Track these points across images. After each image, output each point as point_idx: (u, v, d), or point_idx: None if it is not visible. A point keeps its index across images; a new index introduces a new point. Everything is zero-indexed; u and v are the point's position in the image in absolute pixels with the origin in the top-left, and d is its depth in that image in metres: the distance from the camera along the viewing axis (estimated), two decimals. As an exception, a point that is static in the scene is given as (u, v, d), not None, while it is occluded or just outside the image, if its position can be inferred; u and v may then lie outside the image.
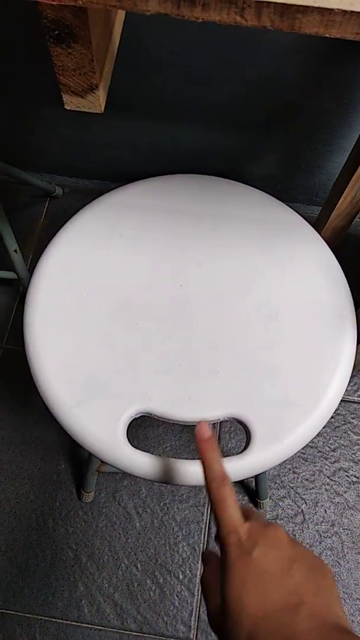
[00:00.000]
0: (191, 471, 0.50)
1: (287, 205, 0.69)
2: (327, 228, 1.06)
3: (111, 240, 0.65)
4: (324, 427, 1.00)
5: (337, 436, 1.03)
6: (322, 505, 0.98)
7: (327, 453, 1.02)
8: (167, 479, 0.51)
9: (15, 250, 1.00)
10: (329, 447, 1.02)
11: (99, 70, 0.40)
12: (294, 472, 1.00)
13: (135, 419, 0.53)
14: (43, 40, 0.89)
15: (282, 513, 0.97)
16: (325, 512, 0.98)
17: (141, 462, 0.51)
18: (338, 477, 1.00)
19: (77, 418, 0.53)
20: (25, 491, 0.98)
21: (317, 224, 1.16)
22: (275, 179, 1.15)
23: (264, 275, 0.62)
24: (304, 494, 0.99)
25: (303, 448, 1.01)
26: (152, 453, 0.52)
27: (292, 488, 0.99)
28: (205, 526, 0.96)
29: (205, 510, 0.97)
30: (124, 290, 0.61)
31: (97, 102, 0.42)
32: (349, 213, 0.95)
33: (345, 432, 1.03)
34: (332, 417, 1.05)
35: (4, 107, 1.06)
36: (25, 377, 0.57)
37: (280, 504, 0.98)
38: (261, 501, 0.97)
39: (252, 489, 0.99)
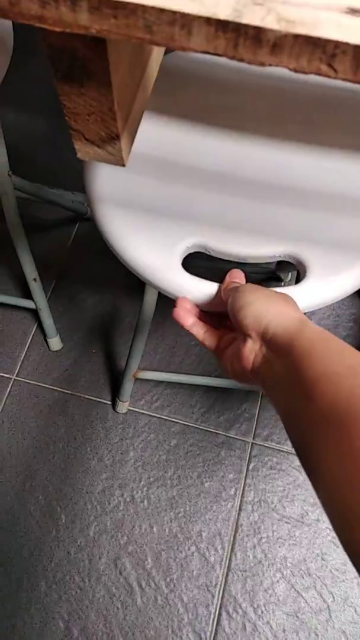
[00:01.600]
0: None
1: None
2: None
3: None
4: None
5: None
6: (353, 603, 0.85)
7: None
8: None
9: (35, 279, 0.92)
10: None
11: (123, 117, 0.29)
12: (322, 559, 0.88)
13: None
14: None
15: (304, 607, 0.85)
16: (356, 611, 0.84)
17: (196, 287, 0.47)
18: (373, 572, 0.86)
19: (134, 245, 0.50)
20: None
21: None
22: None
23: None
24: (332, 587, 0.86)
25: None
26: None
27: (318, 578, 0.86)
28: (215, 611, 0.85)
29: (217, 593, 0.86)
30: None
31: (118, 155, 0.32)
32: None
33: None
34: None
35: (37, 121, 0.98)
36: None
37: (304, 595, 0.85)
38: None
39: (272, 574, 0.86)
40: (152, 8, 0.20)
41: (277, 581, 0.87)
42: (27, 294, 1.07)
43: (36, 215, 1.15)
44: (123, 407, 0.98)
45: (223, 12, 0.20)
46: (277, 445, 0.96)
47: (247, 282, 0.45)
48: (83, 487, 0.93)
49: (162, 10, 0.20)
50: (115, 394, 0.99)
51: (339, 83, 0.50)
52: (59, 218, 1.17)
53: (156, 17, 0.20)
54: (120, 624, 0.84)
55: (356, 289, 0.49)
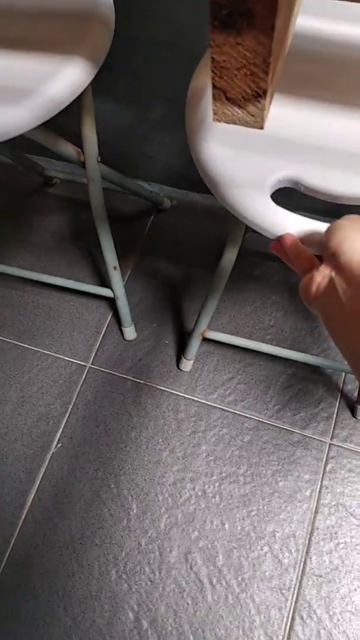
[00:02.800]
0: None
1: None
2: None
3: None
4: None
5: None
6: None
7: None
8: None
9: (115, 267, 0.92)
10: None
11: (273, 70, 0.27)
12: None
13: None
14: (173, 27, 0.79)
15: (385, 620, 0.80)
16: None
17: (283, 220, 0.47)
18: None
19: (224, 169, 0.49)
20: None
21: None
22: None
23: None
24: None
25: None
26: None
27: None
28: (289, 616, 0.81)
29: (291, 597, 0.82)
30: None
31: (259, 116, 0.30)
32: None
33: None
34: None
35: (116, 109, 0.98)
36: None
37: (384, 607, 0.80)
38: None
39: (352, 399, 0.82)
40: None
41: (355, 589, 0.82)
42: (103, 283, 1.08)
43: (114, 204, 1.15)
44: (187, 365, 0.98)
45: None
46: (357, 447, 0.91)
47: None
48: (154, 478, 0.92)
49: None
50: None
51: None
52: (136, 209, 1.17)
53: None
54: (190, 619, 0.82)
55: None
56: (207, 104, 0.52)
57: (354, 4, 0.54)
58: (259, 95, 0.28)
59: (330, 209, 0.75)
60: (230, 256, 0.74)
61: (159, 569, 0.86)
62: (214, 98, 0.30)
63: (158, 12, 0.79)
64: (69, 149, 0.76)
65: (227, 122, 0.31)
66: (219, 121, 0.31)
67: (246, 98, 0.29)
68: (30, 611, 0.85)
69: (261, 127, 0.31)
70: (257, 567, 0.85)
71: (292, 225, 0.47)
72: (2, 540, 0.90)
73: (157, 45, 0.84)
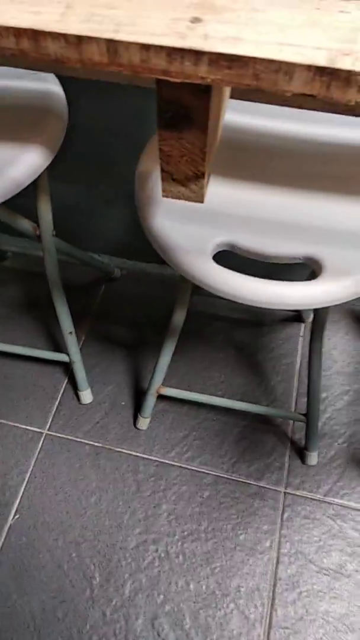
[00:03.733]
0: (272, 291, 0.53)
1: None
2: None
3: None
4: None
5: None
6: None
7: None
8: (250, 298, 0.53)
9: (71, 333, 0.96)
10: None
11: (208, 157, 0.35)
12: (366, 614, 0.85)
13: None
14: (119, 119, 0.90)
15: (352, 667, 0.80)
16: None
17: (226, 279, 0.53)
18: None
19: (172, 236, 0.56)
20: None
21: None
22: None
23: None
24: (379, 644, 0.82)
25: None
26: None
27: (364, 634, 0.83)
28: (259, 674, 0.80)
29: (260, 653, 0.82)
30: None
31: (200, 192, 0.37)
32: None
33: None
34: None
35: (69, 188, 1.06)
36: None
37: (350, 653, 0.81)
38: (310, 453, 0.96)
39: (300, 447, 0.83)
40: (262, 60, 0.26)
41: (321, 638, 0.83)
42: (57, 349, 1.10)
43: (67, 275, 1.21)
44: (144, 423, 1.01)
45: (320, 60, 0.25)
46: (310, 493, 0.95)
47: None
48: (117, 542, 0.91)
49: (270, 61, 0.25)
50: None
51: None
52: (88, 278, 1.23)
53: (264, 67, 0.26)
54: None
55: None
56: (154, 184, 0.60)
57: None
58: (199, 176, 0.35)
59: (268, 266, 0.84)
60: (179, 316, 0.81)
61: (126, 639, 0.83)
62: (163, 179, 0.37)
63: (106, 105, 0.89)
64: (25, 225, 0.82)
65: (174, 198, 0.38)
66: (167, 197, 0.38)
67: (188, 179, 0.36)
68: None
69: (202, 201, 0.38)
70: (224, 625, 0.84)
71: (230, 280, 0.54)
72: None
73: (105, 133, 0.94)
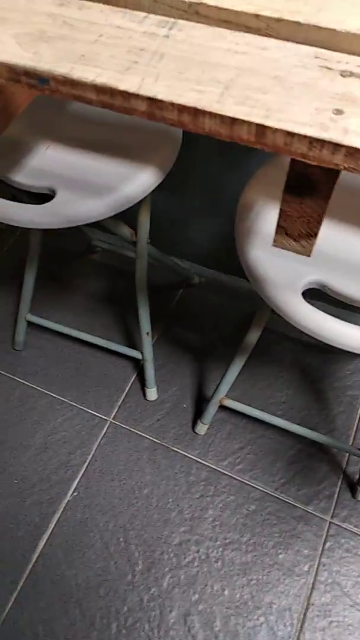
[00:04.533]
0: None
1: None
2: None
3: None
4: None
5: None
6: None
7: None
8: (334, 339, 0.56)
9: (148, 333, 1.02)
10: None
11: (323, 220, 0.38)
12: None
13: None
14: (230, 146, 0.94)
15: None
16: None
17: (313, 318, 0.57)
18: None
19: (266, 269, 0.60)
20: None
21: None
22: None
23: None
24: None
25: None
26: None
27: None
28: None
29: (283, 670, 0.85)
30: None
31: (309, 248, 0.40)
32: None
33: None
34: None
35: (168, 200, 1.12)
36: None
37: None
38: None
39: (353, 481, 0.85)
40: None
41: (346, 671, 0.84)
42: (131, 345, 1.17)
43: (149, 275, 1.27)
44: (202, 428, 1.06)
45: None
46: (356, 528, 0.96)
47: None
48: (162, 536, 0.97)
49: None
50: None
51: None
52: (168, 281, 1.28)
53: None
54: None
55: None
56: (254, 217, 0.63)
57: None
58: (311, 235, 0.39)
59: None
60: (254, 335, 0.84)
61: (158, 628, 0.89)
62: (277, 232, 0.40)
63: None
64: (125, 231, 0.88)
65: (283, 249, 0.41)
66: (277, 247, 0.42)
67: (301, 236, 0.39)
68: (28, 656, 0.87)
69: (309, 256, 0.41)
70: (252, 636, 0.88)
71: (318, 320, 0.57)
72: (10, 582, 0.93)
73: (210, 161, 0.98)
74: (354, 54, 0.34)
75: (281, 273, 0.59)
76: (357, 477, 1.00)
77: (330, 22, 0.34)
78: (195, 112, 0.32)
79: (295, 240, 0.40)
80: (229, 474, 1.03)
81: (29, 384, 1.16)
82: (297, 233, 0.39)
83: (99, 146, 0.72)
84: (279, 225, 0.40)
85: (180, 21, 0.37)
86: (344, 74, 0.33)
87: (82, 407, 1.12)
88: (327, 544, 0.95)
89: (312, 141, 0.30)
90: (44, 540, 0.97)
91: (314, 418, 1.08)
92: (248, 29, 0.36)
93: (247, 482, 1.02)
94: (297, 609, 0.90)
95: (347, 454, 1.04)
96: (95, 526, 0.98)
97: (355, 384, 1.13)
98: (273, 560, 0.94)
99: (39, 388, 1.15)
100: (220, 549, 0.95)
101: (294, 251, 0.41)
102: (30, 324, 1.16)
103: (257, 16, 0.35)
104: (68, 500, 1.01)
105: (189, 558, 0.95)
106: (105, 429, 1.09)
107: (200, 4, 0.37)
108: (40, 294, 1.25)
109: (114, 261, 1.33)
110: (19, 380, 1.16)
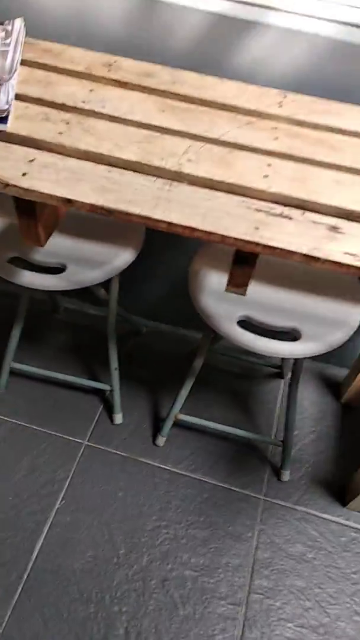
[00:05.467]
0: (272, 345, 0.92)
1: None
2: (352, 387, 1.38)
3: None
4: (348, 552, 1.19)
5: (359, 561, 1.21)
6: (343, 621, 1.13)
7: (348, 575, 1.19)
8: (259, 349, 0.91)
9: (115, 368, 1.32)
10: (351, 570, 1.20)
11: (251, 278, 0.74)
12: (319, 588, 1.17)
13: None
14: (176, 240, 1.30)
15: (306, 623, 1.12)
16: (345, 629, 1.12)
17: (243, 335, 0.92)
18: (358, 598, 1.16)
19: (214, 309, 0.95)
20: (89, 568, 1.15)
21: (344, 383, 1.48)
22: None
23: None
24: (327, 608, 1.14)
25: (327, 567, 1.19)
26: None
27: (317, 602, 1.15)
28: (242, 624, 1.11)
29: (241, 610, 1.13)
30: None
31: (245, 291, 0.76)
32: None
33: (362, 558, 1.22)
34: (352, 544, 1.24)
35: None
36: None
37: (305, 614, 1.13)
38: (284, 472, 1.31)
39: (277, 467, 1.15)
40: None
41: (286, 602, 1.15)
42: (96, 380, 1.45)
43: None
44: (161, 441, 1.35)
45: None
46: (282, 501, 1.29)
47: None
48: (137, 525, 1.23)
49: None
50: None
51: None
52: (124, 330, 1.60)
53: None
54: (167, 630, 1.09)
55: (332, 347, 0.92)
56: (202, 277, 0.99)
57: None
58: (246, 285, 0.75)
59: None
60: (198, 362, 1.18)
61: (143, 594, 1.14)
62: (228, 283, 0.76)
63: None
64: (101, 291, 1.20)
65: (232, 292, 0.77)
66: (228, 292, 0.77)
67: (241, 285, 0.75)
68: (40, 631, 1.07)
69: (244, 295, 0.77)
70: (215, 589, 1.15)
71: (246, 337, 0.92)
72: (16, 577, 1.14)
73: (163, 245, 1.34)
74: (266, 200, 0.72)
75: (223, 312, 0.95)
76: (279, 464, 1.35)
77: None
78: (192, 230, 0.67)
79: (238, 287, 0.76)
80: (185, 473, 1.33)
81: (12, 420, 1.39)
82: (239, 284, 0.75)
83: (93, 235, 1.04)
84: (229, 280, 0.75)
85: (175, 182, 0.73)
86: (257, 209, 0.70)
87: (61, 435, 1.37)
88: (264, 515, 1.27)
89: (245, 241, 0.66)
90: (41, 541, 1.19)
91: (244, 425, 1.43)
92: (214, 189, 0.73)
93: (199, 478, 1.32)
94: (247, 564, 1.19)
95: (270, 449, 1.38)
96: (83, 524, 1.22)
97: (272, 398, 1.49)
98: (225, 532, 1.24)
99: (22, 423, 1.38)
100: (184, 529, 1.23)
101: (238, 294, 0.77)
102: (11, 370, 1.41)
103: (210, 180, 0.72)
104: (57, 508, 1.24)
105: (161, 539, 1.22)
106: (82, 450, 1.35)
107: (180, 172, 0.73)
108: (17, 346, 1.50)
109: (76, 318, 1.63)
110: (4, 418, 1.39)
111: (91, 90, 0.88)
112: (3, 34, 0.94)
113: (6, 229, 1.03)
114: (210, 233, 0.66)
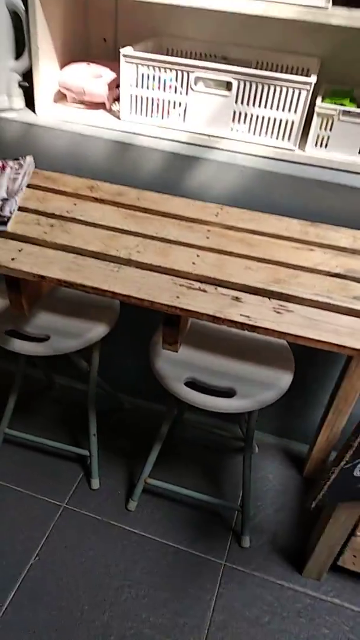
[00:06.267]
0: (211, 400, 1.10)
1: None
2: (311, 461, 1.52)
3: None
4: (301, 618, 1.25)
5: (312, 628, 1.25)
6: None
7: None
8: (201, 403, 1.10)
9: (94, 434, 1.48)
10: (304, 636, 1.24)
11: (182, 338, 0.96)
12: (270, 651, 1.21)
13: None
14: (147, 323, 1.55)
15: None
16: None
17: (189, 392, 1.10)
18: (307, 663, 1.19)
19: (166, 372, 1.14)
20: (53, 622, 1.23)
21: (306, 458, 1.62)
22: (277, 421, 1.65)
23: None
24: (277, 672, 1.17)
25: (281, 632, 1.24)
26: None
27: (267, 665, 1.19)
28: None
29: (193, 668, 1.17)
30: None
31: (177, 348, 0.97)
32: (325, 449, 1.42)
33: (318, 625, 1.26)
34: (306, 611, 1.29)
35: (113, 345, 1.69)
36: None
37: None
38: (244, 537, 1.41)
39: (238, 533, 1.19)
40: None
41: (238, 666, 1.19)
42: (78, 445, 1.61)
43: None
44: (132, 505, 1.46)
45: None
46: (240, 567, 1.37)
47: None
48: (103, 583, 1.31)
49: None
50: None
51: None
52: (104, 406, 1.78)
53: (196, 314, 0.88)
54: None
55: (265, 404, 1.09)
56: (159, 347, 1.20)
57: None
58: (177, 342, 0.96)
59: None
60: (164, 428, 1.35)
61: (101, 648, 1.20)
62: (162, 341, 0.97)
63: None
64: (83, 363, 1.42)
65: (166, 349, 0.98)
66: (164, 349, 0.98)
67: (172, 343, 0.96)
68: None
69: (177, 352, 0.97)
70: (171, 648, 1.21)
71: (191, 394, 1.10)
72: (-15, 626, 1.22)
73: (135, 319, 1.59)
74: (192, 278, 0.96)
75: (172, 374, 1.14)
76: (239, 530, 1.44)
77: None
78: (129, 298, 0.90)
79: (170, 345, 0.97)
80: (152, 537, 1.43)
81: (0, 482, 1.54)
82: (170, 342, 0.96)
83: (74, 312, 1.29)
84: (162, 339, 0.96)
85: (124, 266, 0.98)
86: (180, 284, 0.94)
87: (42, 497, 1.50)
88: (223, 579, 1.34)
89: (168, 305, 0.89)
90: (13, 592, 1.28)
91: (211, 492, 1.54)
92: (152, 270, 0.97)
93: (165, 541, 1.42)
94: (204, 625, 1.25)
95: (235, 516, 1.48)
96: (52, 580, 1.31)
97: (238, 470, 1.62)
98: (185, 594, 1.31)
99: (8, 485, 1.53)
100: (147, 589, 1.31)
101: (171, 350, 0.97)
102: (4, 436, 1.59)
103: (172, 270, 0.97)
104: (31, 563, 1.35)
105: (124, 597, 1.29)
106: (60, 511, 1.47)
107: (129, 259, 0.98)
108: (12, 415, 1.69)
109: (67, 394, 1.83)
110: (-7, 480, 1.54)
111: (75, 204, 1.18)
112: (17, 166, 1.28)
113: (4, 308, 1.29)
114: (142, 299, 0.89)
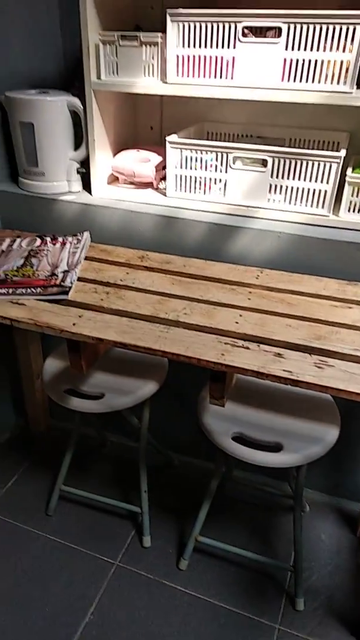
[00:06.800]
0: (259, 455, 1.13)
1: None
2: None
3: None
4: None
5: None
6: None
7: None
8: (248, 458, 1.13)
9: (145, 491, 1.53)
10: None
11: (228, 393, 1.02)
12: None
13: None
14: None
15: None
16: None
17: (237, 447, 1.14)
18: None
19: (213, 426, 1.18)
20: None
21: (358, 517, 1.59)
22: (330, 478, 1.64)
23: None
24: None
25: None
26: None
27: None
28: None
29: None
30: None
31: (222, 402, 1.03)
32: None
33: None
34: None
35: (162, 404, 1.75)
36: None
37: None
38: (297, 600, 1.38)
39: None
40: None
41: None
42: (131, 503, 1.64)
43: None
44: (184, 564, 1.46)
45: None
46: (296, 631, 1.33)
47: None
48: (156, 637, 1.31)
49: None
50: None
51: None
52: (154, 462, 1.83)
53: (240, 370, 0.95)
54: None
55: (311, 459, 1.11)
56: (206, 403, 1.26)
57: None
58: (223, 397, 1.02)
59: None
60: (214, 484, 1.38)
61: None
62: (210, 396, 1.03)
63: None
64: (134, 419, 1.49)
65: (212, 404, 1.04)
66: (211, 404, 1.04)
67: (219, 398, 1.03)
68: None
69: (223, 406, 1.03)
70: None
71: (239, 448, 1.15)
72: None
73: (181, 378, 1.66)
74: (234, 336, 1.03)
75: (220, 429, 1.19)
76: (292, 592, 1.41)
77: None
78: (177, 356, 0.98)
79: (217, 400, 1.03)
80: (204, 597, 1.42)
81: (56, 539, 1.58)
82: (217, 396, 1.02)
83: (123, 369, 1.38)
84: (209, 394, 1.03)
85: (172, 327, 1.07)
86: (225, 342, 1.01)
87: (96, 554, 1.54)
88: (278, 645, 1.31)
89: (214, 362, 0.96)
90: (68, 652, 1.30)
91: (263, 551, 1.52)
92: (198, 330, 1.06)
93: (218, 603, 1.41)
94: None
95: (288, 577, 1.46)
96: (106, 639, 1.32)
97: (288, 528, 1.60)
98: (239, 658, 1.28)
99: (63, 542, 1.57)
100: (200, 651, 1.29)
101: (218, 405, 1.03)
102: (60, 493, 1.65)
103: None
104: (86, 622, 1.36)
105: (177, 659, 1.28)
106: (113, 569, 1.50)
107: (177, 321, 1.07)
108: (67, 473, 1.76)
109: (119, 452, 1.89)
110: (49, 536, 1.59)
111: (127, 273, 1.30)
112: (75, 241, 1.43)
113: (63, 369, 1.40)
114: (190, 357, 0.97)
